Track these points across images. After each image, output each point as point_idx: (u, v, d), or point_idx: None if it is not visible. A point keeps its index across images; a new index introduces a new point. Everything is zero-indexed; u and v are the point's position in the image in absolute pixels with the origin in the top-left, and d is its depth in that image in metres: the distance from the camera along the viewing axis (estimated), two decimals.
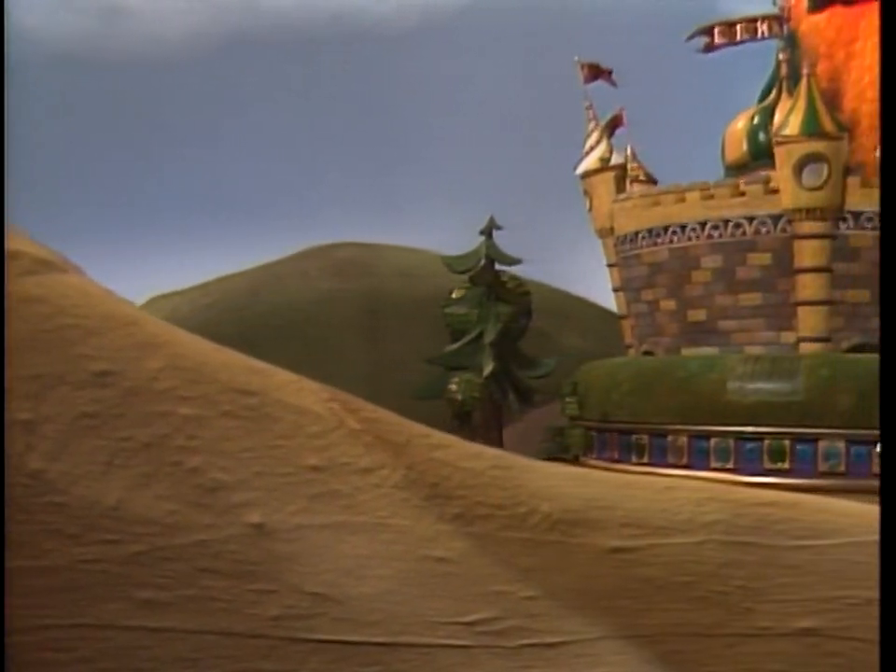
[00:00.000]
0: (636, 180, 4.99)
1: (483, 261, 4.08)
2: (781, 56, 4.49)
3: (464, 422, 3.95)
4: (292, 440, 1.59)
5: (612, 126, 5.05)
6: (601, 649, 1.56)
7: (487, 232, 4.05)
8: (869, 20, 4.76)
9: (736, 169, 4.09)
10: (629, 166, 4.98)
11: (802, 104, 3.87)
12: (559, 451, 3.92)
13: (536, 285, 7.22)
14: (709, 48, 4.50)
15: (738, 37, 4.48)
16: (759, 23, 4.53)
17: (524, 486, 1.65)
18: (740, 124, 4.33)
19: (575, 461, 3.97)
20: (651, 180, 5.03)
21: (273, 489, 1.55)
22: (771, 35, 4.39)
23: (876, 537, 1.77)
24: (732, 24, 4.58)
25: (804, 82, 3.89)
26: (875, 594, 1.70)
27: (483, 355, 4.07)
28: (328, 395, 1.65)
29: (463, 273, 4.18)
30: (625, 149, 4.94)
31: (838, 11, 5.11)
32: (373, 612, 1.49)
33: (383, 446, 1.61)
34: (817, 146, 3.74)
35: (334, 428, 1.60)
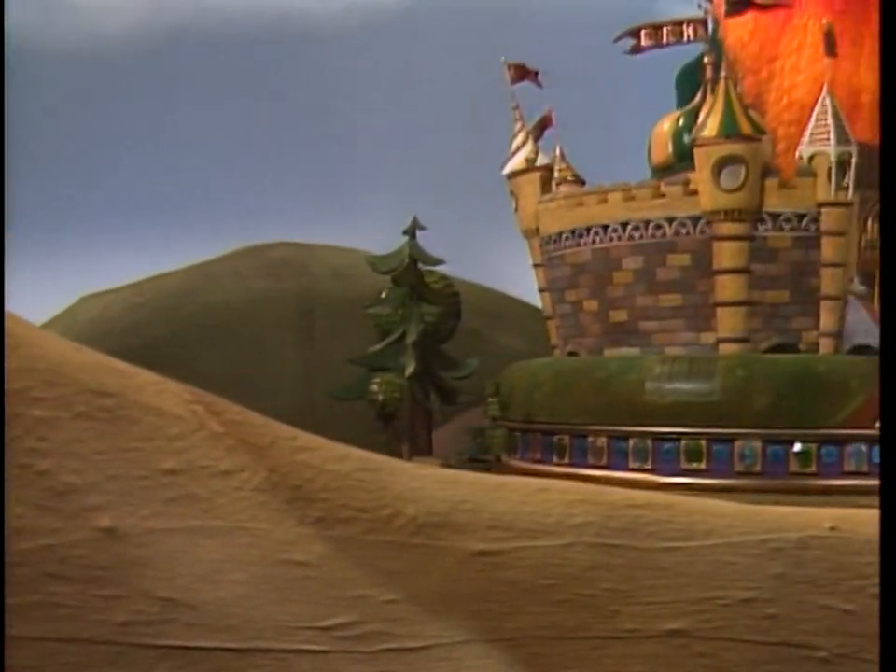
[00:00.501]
0: (564, 181, 4.99)
1: (406, 262, 4.06)
2: (706, 59, 4.52)
3: (387, 423, 3.92)
4: (150, 442, 1.56)
5: (541, 127, 5.04)
6: (464, 653, 1.55)
7: (411, 233, 4.02)
8: (790, 37, 4.79)
9: (662, 171, 4.12)
10: (558, 167, 4.97)
11: (720, 106, 3.89)
12: (480, 452, 3.90)
13: (470, 285, 7.21)
14: (636, 50, 4.51)
15: (665, 40, 4.49)
16: (685, 26, 4.55)
17: (389, 489, 1.63)
18: (666, 126, 4.36)
19: (497, 461, 3.95)
20: (580, 181, 5.01)
21: (126, 492, 1.51)
22: (696, 39, 4.41)
23: (751, 537, 1.77)
24: (658, 27, 4.59)
25: (721, 85, 3.91)
26: (747, 594, 1.70)
27: (406, 355, 4.04)
28: (191, 396, 1.62)
29: (387, 273, 4.16)
30: (554, 150, 4.94)
31: (761, 26, 5.13)
32: (227, 617, 1.47)
33: (245, 448, 1.58)
34: (734, 148, 3.76)
35: (195, 431, 1.57)
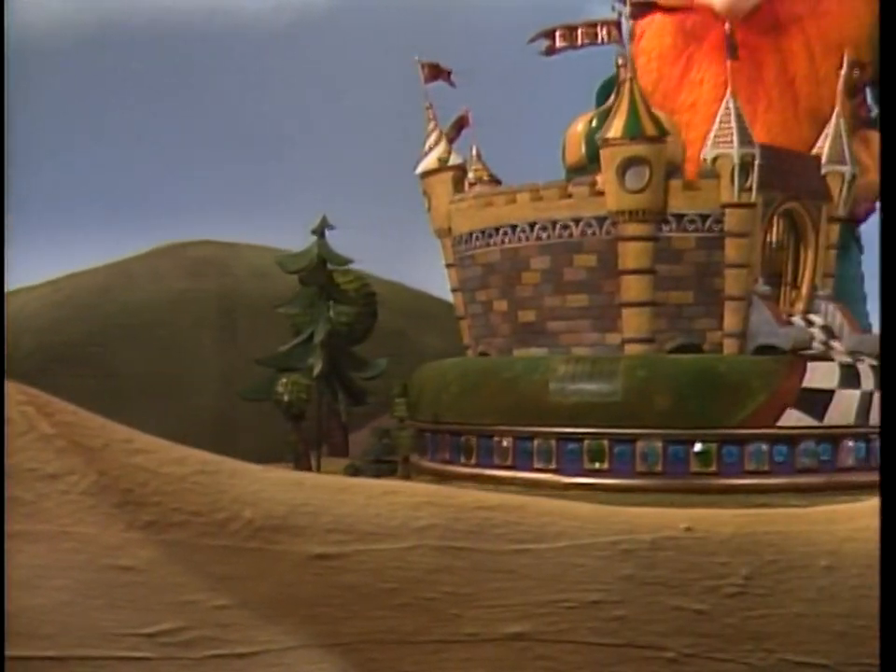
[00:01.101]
0: (480, 181, 4.96)
1: (314, 261, 4.04)
2: (620, 61, 4.53)
3: (296, 424, 3.88)
4: None
5: (458, 126, 5.00)
6: (296, 658, 1.52)
7: (319, 232, 3.99)
8: (687, 93, 4.80)
9: (576, 171, 4.13)
10: (473, 167, 4.95)
11: (624, 107, 3.91)
12: (385, 452, 3.88)
13: (394, 284, 7.21)
14: (551, 51, 4.48)
15: (579, 42, 4.46)
16: (599, 28, 4.55)
17: (227, 492, 1.60)
18: (580, 127, 4.35)
19: (405, 462, 3.94)
20: (496, 181, 5.00)
21: None
22: (610, 41, 4.41)
23: (601, 539, 1.76)
24: (573, 28, 4.55)
25: (626, 86, 3.93)
26: (594, 596, 1.70)
27: (314, 355, 4.02)
28: (23, 397, 1.58)
29: (295, 273, 4.13)
30: (471, 150, 4.94)
31: (664, 75, 5.18)
32: (46, 625, 1.43)
33: (76, 451, 1.55)
34: (638, 149, 3.78)
35: (24, 433, 1.54)
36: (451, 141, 5.17)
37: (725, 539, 1.83)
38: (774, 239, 4.24)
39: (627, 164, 4.00)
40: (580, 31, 4.58)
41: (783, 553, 1.83)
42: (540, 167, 5.10)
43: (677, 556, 1.76)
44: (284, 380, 3.96)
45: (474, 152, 5.24)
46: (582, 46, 4.56)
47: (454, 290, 4.80)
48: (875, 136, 5.16)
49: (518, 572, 1.65)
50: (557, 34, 4.61)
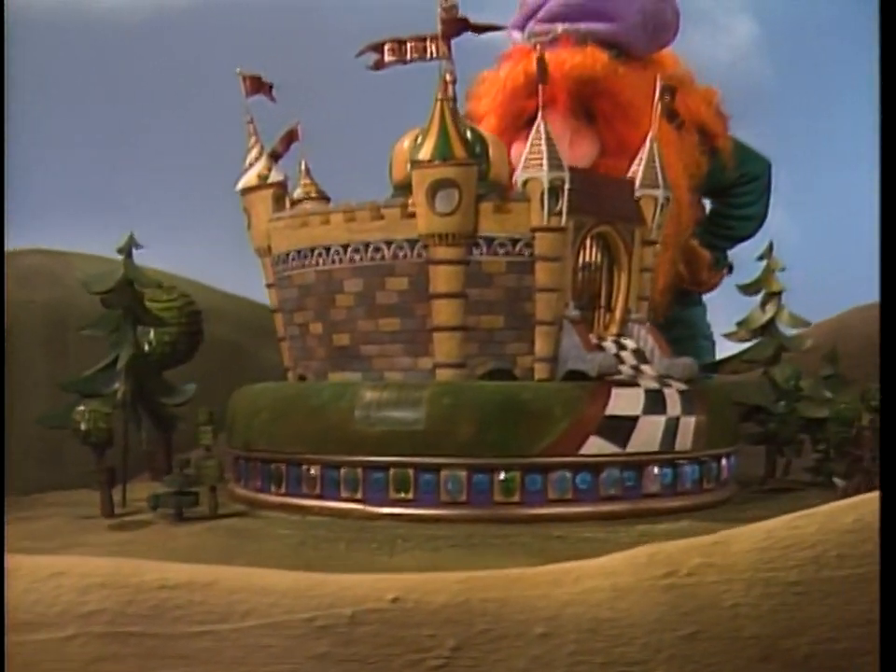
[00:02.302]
0: (308, 197, 4.85)
1: (119, 282, 3.89)
2: (448, 77, 4.47)
3: (101, 453, 3.70)
4: None
5: (288, 140, 4.86)
6: None
7: (126, 251, 3.84)
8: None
9: (402, 189, 4.07)
10: (302, 182, 4.84)
11: (435, 129, 3.85)
12: (187, 484, 3.71)
13: (235, 297, 7.06)
14: (379, 65, 4.38)
15: (408, 56, 4.38)
16: (428, 42, 4.48)
17: None
18: (406, 143, 4.27)
19: (212, 492, 3.81)
20: (324, 198, 4.89)
21: None
22: (439, 56, 4.33)
23: (296, 616, 1.69)
24: (402, 42, 4.47)
25: (437, 107, 3.87)
26: None
27: (119, 380, 3.87)
28: None
29: (99, 294, 3.96)
30: (299, 165, 4.83)
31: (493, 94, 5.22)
32: None
33: None
34: (448, 171, 3.73)
35: None
36: (279, 156, 5.06)
37: (436, 609, 1.77)
38: (587, 262, 4.24)
39: (437, 187, 3.95)
40: (409, 45, 4.51)
41: (497, 621, 1.79)
42: (375, 183, 5.01)
43: (379, 630, 1.70)
44: (81, 408, 3.81)
45: (302, 167, 5.13)
46: (412, 60, 4.49)
47: (273, 311, 4.70)
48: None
49: (195, 657, 1.56)
50: (386, 47, 4.53)
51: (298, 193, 5.08)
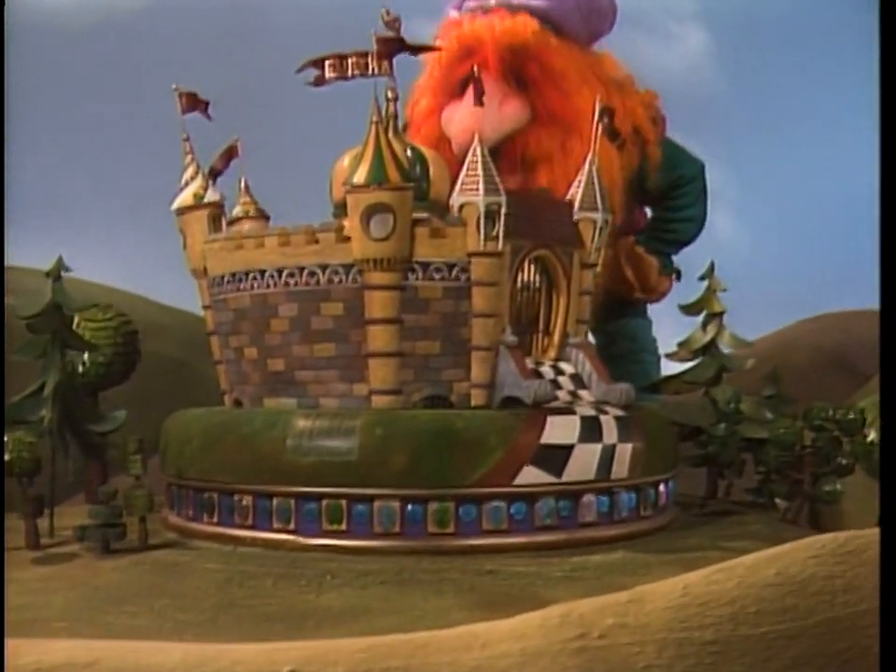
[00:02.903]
0: (247, 216, 4.76)
1: (46, 307, 3.79)
2: (390, 94, 4.40)
3: (29, 482, 3.59)
4: None
5: (227, 157, 4.76)
6: None
7: (54, 275, 3.74)
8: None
9: (342, 208, 4.01)
10: (241, 200, 4.74)
11: (370, 153, 3.79)
12: (113, 516, 3.59)
13: (180, 312, 6.97)
14: (320, 81, 4.30)
15: (349, 73, 4.29)
16: (370, 59, 4.41)
17: None
18: (346, 162, 4.19)
19: (142, 522, 3.72)
20: (264, 216, 4.82)
21: None
22: (381, 73, 4.26)
23: None
24: (343, 57, 4.39)
25: (372, 130, 3.80)
26: None
27: (45, 407, 3.77)
28: None
29: (28, 319, 3.86)
30: (239, 182, 4.73)
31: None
32: None
33: None
34: (382, 196, 3.67)
35: None
36: (218, 173, 4.97)
37: None
38: (525, 285, 4.20)
39: (372, 211, 3.89)
40: (350, 61, 4.43)
41: None
42: (317, 200, 4.93)
43: None
44: (5, 438, 3.72)
45: (242, 184, 5.05)
46: (353, 77, 4.41)
47: (209, 334, 4.61)
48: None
49: None
50: (327, 63, 4.45)
51: (237, 211, 5.00)
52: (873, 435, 4.40)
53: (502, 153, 5.23)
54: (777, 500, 4.73)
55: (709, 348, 4.95)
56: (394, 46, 4.08)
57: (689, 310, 5.01)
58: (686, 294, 5.35)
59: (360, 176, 3.89)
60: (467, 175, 3.96)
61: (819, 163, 10.18)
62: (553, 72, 5.37)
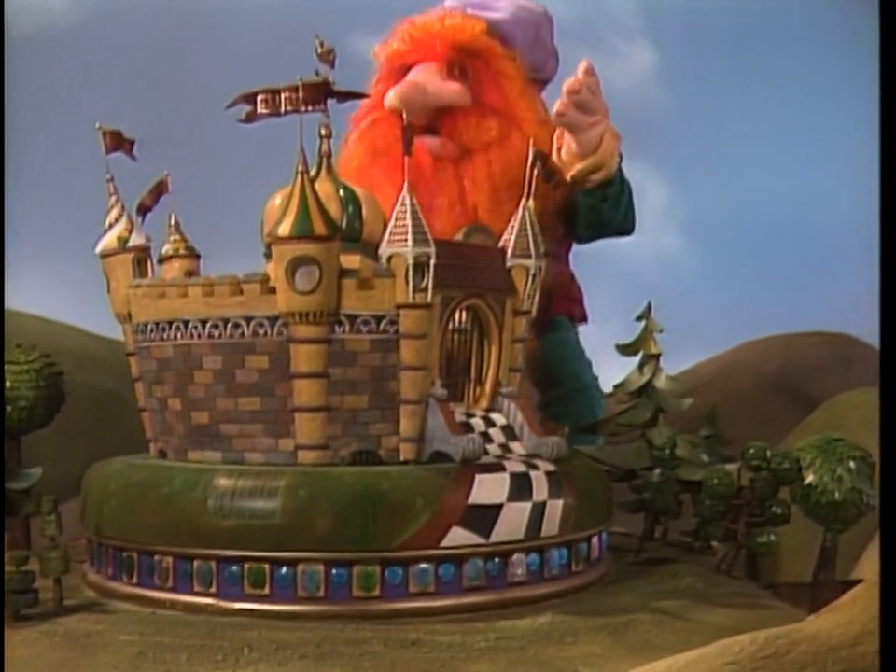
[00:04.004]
0: (176, 254, 4.64)
1: None
2: (323, 131, 4.30)
3: None
4: None
5: (157, 192, 4.61)
6: None
7: None
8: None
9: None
10: (171, 238, 4.62)
11: (294, 204, 3.69)
12: (25, 582, 3.45)
13: (115, 343, 6.81)
14: (251, 118, 4.17)
15: (282, 108, 4.17)
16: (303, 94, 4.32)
17: None
18: (277, 201, 4.09)
19: (57, 584, 3.60)
20: (194, 255, 4.69)
21: None
22: (315, 108, 4.15)
23: None
24: (276, 92, 4.27)
25: (297, 180, 3.69)
26: None
27: None
28: None
29: None
30: (169, 219, 4.60)
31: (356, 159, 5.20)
32: None
33: None
34: (307, 248, 3.58)
35: None
36: (148, 209, 4.84)
37: None
38: (456, 330, 4.12)
39: (297, 264, 3.80)
40: (283, 96, 4.32)
41: None
42: (249, 240, 4.82)
43: None
44: None
45: (172, 221, 4.93)
46: (286, 113, 4.30)
47: (134, 381, 4.50)
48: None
49: None
50: (258, 98, 4.34)
51: (166, 249, 4.87)
52: (811, 478, 4.37)
53: (442, 131, 5.30)
54: (714, 544, 4.70)
55: (646, 390, 4.90)
56: (320, 93, 3.99)
57: (625, 350, 4.97)
58: (624, 334, 5.28)
59: (285, 229, 3.79)
60: (395, 226, 3.88)
61: (767, 182, 10.21)
62: (497, 72, 5.46)
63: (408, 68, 5.51)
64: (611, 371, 5.37)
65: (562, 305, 5.65)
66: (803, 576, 4.86)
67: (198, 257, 4.91)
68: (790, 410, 8.20)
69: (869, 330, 8.90)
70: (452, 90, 5.39)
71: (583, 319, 5.90)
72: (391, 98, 5.30)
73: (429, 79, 5.33)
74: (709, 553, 4.78)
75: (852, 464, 4.36)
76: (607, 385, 5.81)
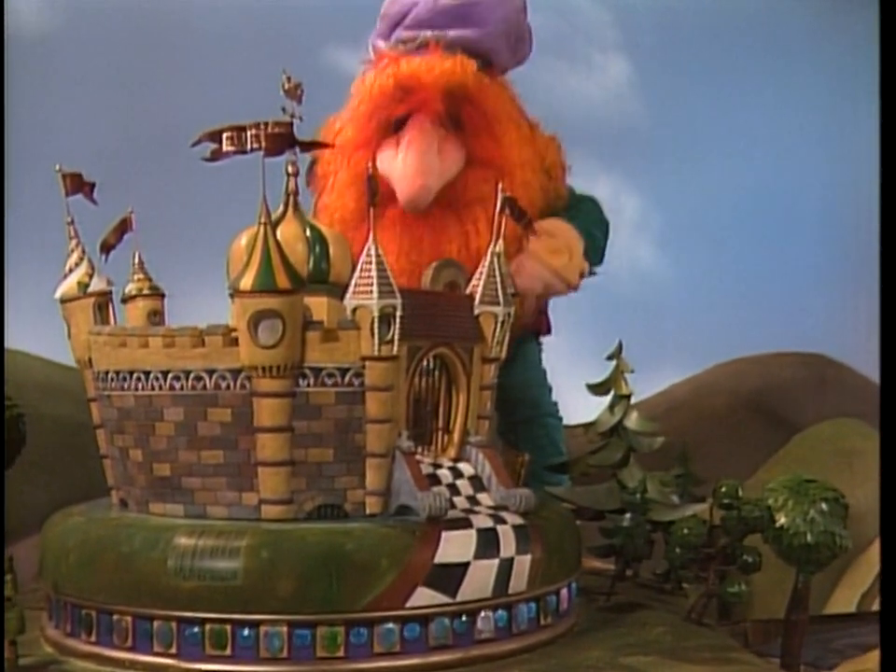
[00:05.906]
0: (140, 294, 4.56)
1: None
2: (290, 169, 4.22)
3: None
4: None
5: (121, 230, 4.52)
6: None
7: None
8: None
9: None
10: (135, 277, 4.53)
11: (257, 257, 3.62)
12: None
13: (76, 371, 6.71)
14: (216, 155, 4.07)
15: (248, 146, 4.08)
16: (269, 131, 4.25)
17: None
18: (243, 242, 4.02)
19: (12, 645, 3.55)
20: (159, 294, 4.62)
21: None
22: (278, 156, 4.10)
23: None
24: (242, 129, 4.18)
25: (259, 232, 3.63)
26: None
27: None
28: None
29: None
30: (133, 257, 4.51)
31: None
32: None
33: None
34: (270, 302, 3.52)
35: None
36: (111, 247, 4.75)
37: None
38: (422, 381, 4.07)
39: (259, 318, 3.73)
40: (249, 133, 4.24)
41: None
42: (214, 277, 4.73)
43: None
44: None
45: (136, 259, 4.84)
46: (252, 150, 4.23)
47: (96, 427, 4.42)
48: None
49: None
50: (224, 136, 4.25)
51: (130, 289, 4.79)
52: (783, 520, 4.33)
53: (440, 193, 5.22)
54: (685, 586, 4.66)
55: (617, 430, 4.86)
56: (283, 144, 3.92)
57: (596, 390, 4.91)
58: (596, 350, 5.23)
59: (247, 283, 3.73)
60: (360, 277, 3.82)
61: (739, 195, 10.20)
62: (487, 116, 5.36)
63: (397, 117, 5.31)
64: (582, 380, 5.25)
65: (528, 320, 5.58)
66: (775, 612, 4.83)
67: (162, 296, 4.83)
68: (763, 430, 8.20)
69: (841, 349, 8.88)
70: (449, 167, 5.24)
71: (548, 331, 5.88)
72: (403, 200, 5.14)
73: (431, 170, 5.11)
74: (681, 594, 4.75)
75: (824, 506, 4.33)
76: (575, 409, 5.77)
